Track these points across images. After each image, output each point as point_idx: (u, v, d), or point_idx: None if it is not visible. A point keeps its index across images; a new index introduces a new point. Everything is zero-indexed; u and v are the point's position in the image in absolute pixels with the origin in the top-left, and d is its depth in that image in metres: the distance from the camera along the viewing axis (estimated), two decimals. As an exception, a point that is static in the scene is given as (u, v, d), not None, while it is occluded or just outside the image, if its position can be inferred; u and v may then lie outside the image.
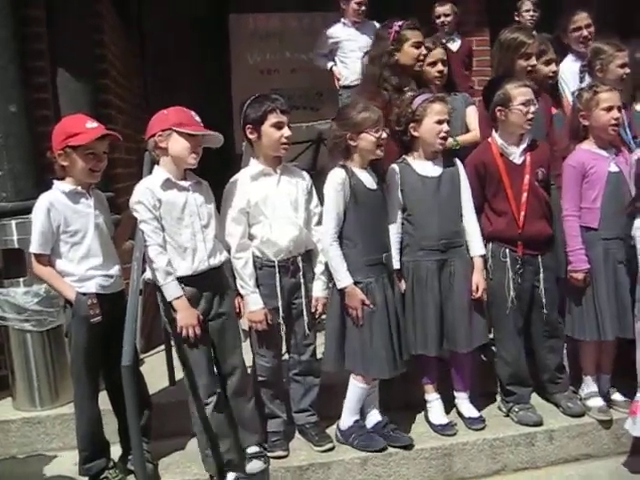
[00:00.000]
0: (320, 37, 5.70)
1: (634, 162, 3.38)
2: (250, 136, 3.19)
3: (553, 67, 3.91)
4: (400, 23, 3.70)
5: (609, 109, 3.39)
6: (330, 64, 5.64)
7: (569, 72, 4.39)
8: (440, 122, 3.29)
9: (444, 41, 5.32)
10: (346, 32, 5.51)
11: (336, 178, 3.19)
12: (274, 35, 6.20)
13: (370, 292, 3.19)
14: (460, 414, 3.53)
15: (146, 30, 5.96)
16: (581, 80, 4.22)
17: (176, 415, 3.38)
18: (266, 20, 6.15)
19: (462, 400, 3.52)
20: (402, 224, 3.37)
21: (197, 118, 3.05)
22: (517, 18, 5.70)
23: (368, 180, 3.26)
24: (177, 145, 2.98)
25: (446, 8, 5.56)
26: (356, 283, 3.18)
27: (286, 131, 3.16)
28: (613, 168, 3.42)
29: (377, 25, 4.75)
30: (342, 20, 5.55)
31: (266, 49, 6.22)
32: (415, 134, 3.34)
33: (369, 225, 3.23)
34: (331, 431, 3.43)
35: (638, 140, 3.74)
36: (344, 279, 3.17)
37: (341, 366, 3.26)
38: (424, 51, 3.70)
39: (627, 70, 3.93)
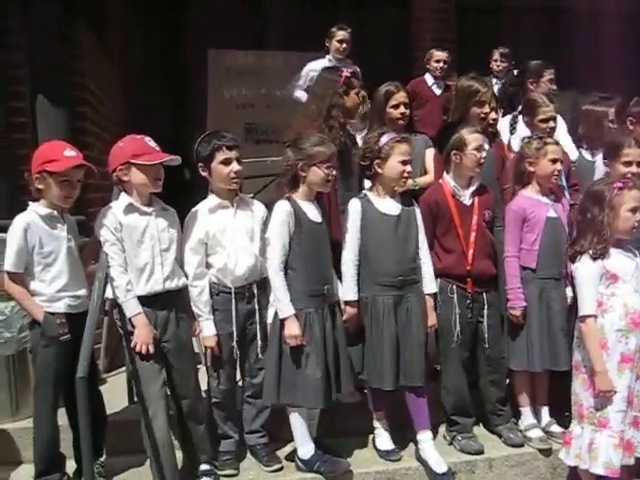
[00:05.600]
0: (302, 70, 5.93)
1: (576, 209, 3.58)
2: (202, 173, 3.36)
3: (493, 115, 4.06)
4: (351, 70, 3.87)
5: (554, 161, 3.62)
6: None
7: None
8: (404, 162, 3.43)
9: (430, 84, 5.74)
10: None
11: (282, 210, 3.28)
12: (250, 72, 6.41)
13: (309, 322, 3.28)
14: (423, 461, 3.49)
15: (129, 62, 6.16)
16: (512, 130, 4.43)
17: (134, 433, 3.43)
18: (243, 57, 6.38)
19: (428, 444, 3.49)
20: (358, 258, 3.48)
21: (152, 144, 3.18)
22: (491, 66, 6.05)
23: (313, 213, 3.36)
24: (138, 176, 3.15)
25: (445, 55, 5.93)
26: (296, 312, 3.26)
27: (234, 166, 3.30)
28: (551, 214, 3.65)
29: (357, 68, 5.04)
30: (327, 57, 5.88)
31: (242, 85, 6.43)
32: (379, 171, 3.47)
33: (312, 257, 3.32)
34: (281, 452, 3.57)
35: (575, 188, 3.97)
36: (286, 310, 3.25)
37: (278, 398, 3.32)
38: (362, 100, 3.85)
39: (551, 124, 4.11)
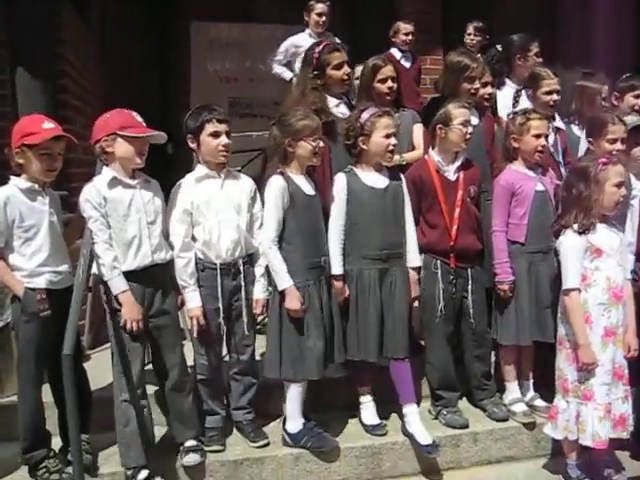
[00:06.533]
0: (282, 45, 5.86)
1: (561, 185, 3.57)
2: (191, 145, 3.35)
3: (489, 89, 4.09)
4: (319, 48, 3.81)
5: (538, 136, 3.62)
6: (290, 75, 5.82)
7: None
8: (388, 136, 3.43)
9: (399, 58, 5.65)
10: (310, 42, 5.69)
11: (276, 184, 3.30)
12: (234, 44, 6.33)
13: (308, 294, 3.31)
14: (408, 434, 3.51)
15: (108, 35, 6.06)
16: (514, 104, 4.43)
17: None
18: (227, 29, 6.29)
19: (413, 416, 3.50)
20: (345, 231, 3.48)
21: (139, 118, 3.17)
22: (465, 40, 6.01)
23: (306, 186, 3.38)
24: (122, 148, 3.12)
25: (411, 27, 5.88)
26: (295, 285, 3.28)
27: (223, 139, 3.30)
28: (539, 187, 3.66)
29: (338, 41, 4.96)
30: (307, 31, 5.80)
31: (226, 58, 6.35)
32: (364, 147, 3.47)
33: (308, 229, 3.35)
34: (267, 428, 3.59)
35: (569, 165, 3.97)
36: (285, 281, 3.28)
37: (280, 373, 3.35)
38: (347, 69, 3.82)
39: (554, 97, 4.16)
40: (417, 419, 3.50)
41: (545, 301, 3.61)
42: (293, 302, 3.27)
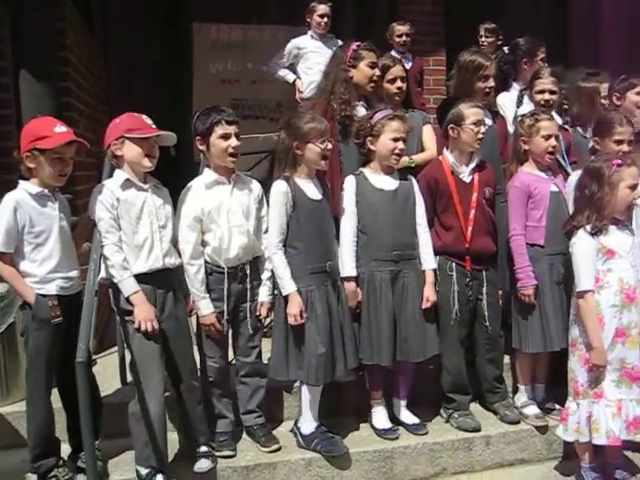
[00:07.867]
0: (283, 47, 5.81)
1: (573, 185, 3.51)
2: (200, 147, 3.31)
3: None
4: (358, 43, 3.86)
5: (548, 137, 3.59)
6: (293, 77, 5.80)
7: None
8: (396, 140, 3.42)
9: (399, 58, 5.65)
10: (313, 44, 5.72)
11: (278, 190, 3.29)
12: (236, 46, 6.31)
13: (311, 299, 3.28)
14: (399, 421, 3.64)
15: (110, 38, 6.02)
16: (518, 104, 4.42)
17: (127, 415, 3.43)
18: (229, 31, 6.26)
19: (402, 408, 3.64)
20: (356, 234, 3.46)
21: (148, 121, 3.14)
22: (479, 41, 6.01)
23: (312, 191, 3.35)
24: (131, 151, 3.08)
25: (407, 28, 5.88)
26: (298, 290, 3.26)
27: (233, 141, 3.26)
28: (554, 188, 3.62)
29: (340, 43, 4.95)
30: (309, 33, 5.76)
31: (228, 59, 6.32)
32: (372, 148, 3.47)
33: (312, 234, 3.32)
34: (277, 433, 3.55)
35: (574, 166, 3.95)
36: (288, 286, 3.26)
37: (287, 374, 3.35)
38: (378, 72, 3.85)
39: (546, 97, 4.16)
40: (404, 407, 3.64)
41: (568, 304, 3.50)
42: (293, 307, 3.26)
